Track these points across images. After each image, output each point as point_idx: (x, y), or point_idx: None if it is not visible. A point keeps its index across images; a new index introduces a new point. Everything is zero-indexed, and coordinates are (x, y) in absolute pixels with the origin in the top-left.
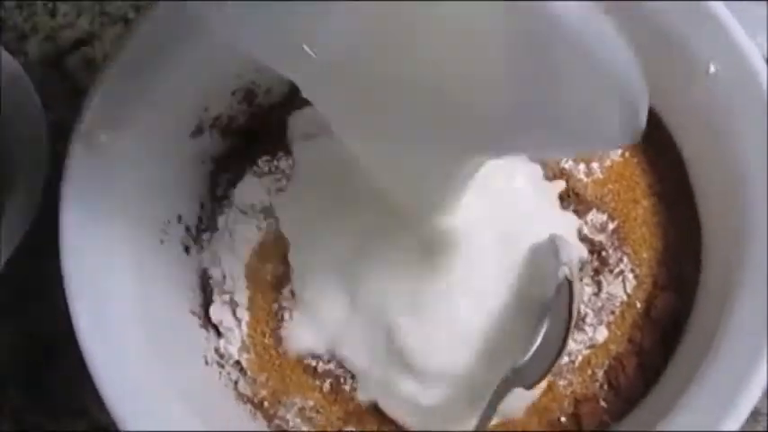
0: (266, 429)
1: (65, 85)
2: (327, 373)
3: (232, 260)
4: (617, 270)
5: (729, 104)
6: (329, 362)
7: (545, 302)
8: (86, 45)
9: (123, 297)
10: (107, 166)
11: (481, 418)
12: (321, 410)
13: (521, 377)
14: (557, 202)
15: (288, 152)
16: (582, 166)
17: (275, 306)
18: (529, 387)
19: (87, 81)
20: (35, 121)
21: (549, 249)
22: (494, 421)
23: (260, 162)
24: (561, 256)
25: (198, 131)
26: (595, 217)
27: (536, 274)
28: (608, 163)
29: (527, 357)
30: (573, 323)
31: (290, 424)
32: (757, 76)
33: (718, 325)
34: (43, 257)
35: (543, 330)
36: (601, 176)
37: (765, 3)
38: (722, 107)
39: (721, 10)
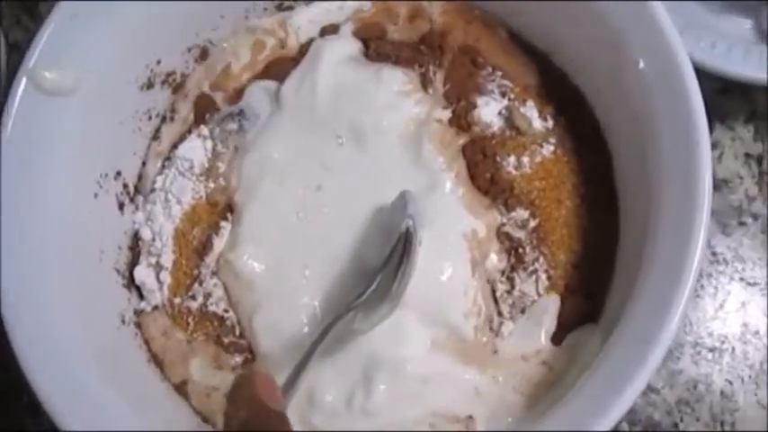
0: (173, 392)
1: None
2: (236, 346)
3: (164, 221)
4: (531, 269)
5: (654, 100)
6: (240, 336)
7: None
8: None
9: (47, 244)
10: (50, 106)
11: (305, 354)
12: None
13: (350, 321)
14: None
15: (234, 117)
16: (512, 158)
17: (196, 272)
18: (358, 333)
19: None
20: None
21: (399, 204)
22: None
23: (206, 124)
24: (408, 208)
25: (149, 85)
26: (518, 213)
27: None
28: (538, 159)
29: (359, 301)
30: (409, 273)
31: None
32: (682, 74)
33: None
34: None
35: (378, 279)
36: (529, 171)
37: None
38: (647, 101)
39: (659, 9)
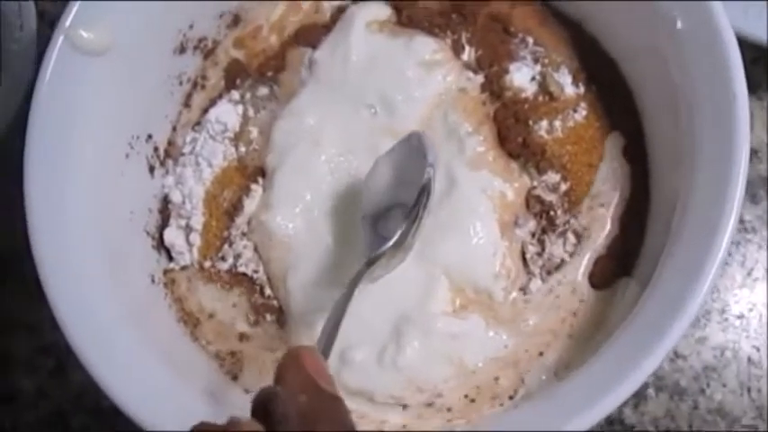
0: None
1: None
2: (266, 307)
3: (194, 184)
4: (561, 230)
5: (690, 61)
6: (269, 297)
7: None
8: None
9: (81, 207)
10: (85, 65)
11: (335, 313)
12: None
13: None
14: None
15: (265, 82)
16: (544, 123)
17: (226, 233)
18: (374, 280)
19: None
20: (25, 15)
21: (414, 146)
22: None
23: (237, 89)
24: (428, 157)
25: (181, 50)
26: (550, 177)
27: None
28: (570, 123)
29: (381, 252)
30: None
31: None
32: (721, 34)
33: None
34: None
35: (399, 232)
36: (561, 136)
37: None
38: (685, 62)
39: None
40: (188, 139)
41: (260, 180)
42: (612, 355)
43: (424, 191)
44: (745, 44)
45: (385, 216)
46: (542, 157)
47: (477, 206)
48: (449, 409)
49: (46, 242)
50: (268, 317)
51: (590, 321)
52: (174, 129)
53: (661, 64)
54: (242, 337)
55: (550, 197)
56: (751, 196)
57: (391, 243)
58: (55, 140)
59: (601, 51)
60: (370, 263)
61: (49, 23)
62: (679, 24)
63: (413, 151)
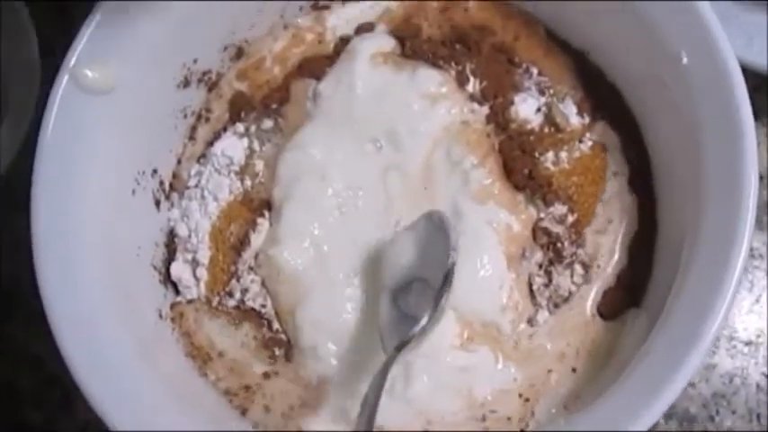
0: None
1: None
2: (274, 341)
3: (201, 218)
4: (568, 262)
5: (697, 96)
6: (277, 331)
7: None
8: None
9: (88, 241)
10: (89, 104)
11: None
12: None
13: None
14: None
15: (269, 115)
16: (550, 154)
17: (233, 268)
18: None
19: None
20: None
21: (436, 224)
22: None
23: (242, 121)
24: (451, 238)
25: (185, 84)
26: (556, 209)
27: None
28: (576, 154)
29: (411, 334)
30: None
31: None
32: (728, 70)
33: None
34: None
35: (429, 313)
36: (567, 167)
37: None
38: (691, 95)
39: (702, 4)
40: (193, 172)
41: (266, 213)
42: (625, 390)
43: (450, 274)
44: (747, 72)
45: (405, 290)
46: (549, 189)
47: (484, 239)
48: None
49: (52, 279)
50: (276, 351)
51: (599, 353)
52: (179, 162)
53: (667, 95)
54: (265, 375)
55: (557, 229)
56: (757, 223)
57: (419, 328)
58: (61, 179)
59: (606, 82)
60: (400, 348)
61: (50, 51)
62: (684, 59)
63: (434, 229)
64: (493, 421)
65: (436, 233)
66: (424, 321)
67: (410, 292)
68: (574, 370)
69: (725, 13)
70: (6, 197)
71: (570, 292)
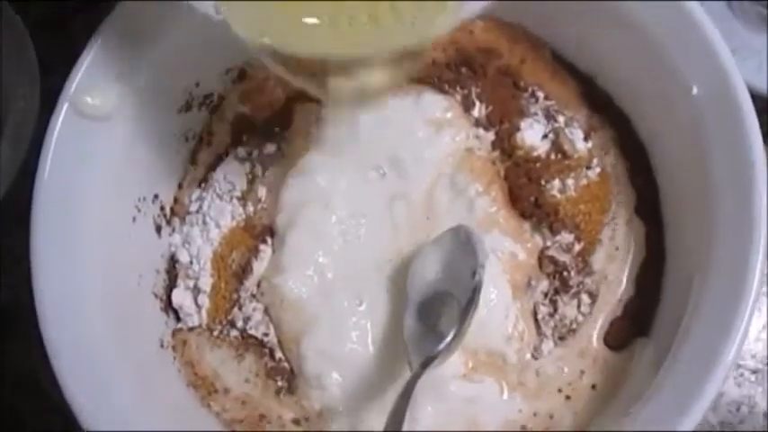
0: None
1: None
2: (277, 370)
3: (202, 244)
4: (574, 291)
5: (708, 126)
6: (280, 360)
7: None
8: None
9: (88, 270)
10: (90, 131)
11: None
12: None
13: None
14: None
15: (272, 139)
16: (557, 182)
17: (235, 296)
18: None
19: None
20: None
21: (462, 240)
22: None
23: (244, 145)
24: (479, 255)
25: (186, 108)
26: (563, 237)
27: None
28: (584, 182)
29: (437, 351)
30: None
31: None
32: (738, 101)
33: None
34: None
35: (451, 335)
36: (574, 195)
37: None
38: (700, 127)
39: (711, 32)
40: (194, 197)
41: (269, 240)
42: (636, 428)
43: (476, 292)
44: (757, 96)
45: (430, 303)
46: (556, 218)
47: (489, 268)
48: None
49: (51, 307)
50: (279, 381)
51: (607, 384)
52: (180, 186)
53: (676, 123)
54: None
55: (564, 257)
56: None
57: (444, 345)
58: (62, 208)
59: (614, 107)
60: (425, 364)
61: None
62: (695, 90)
63: (461, 244)
64: None
65: (462, 248)
66: (449, 338)
67: (435, 305)
68: (581, 400)
69: (736, 37)
70: (5, 221)
71: (577, 322)
